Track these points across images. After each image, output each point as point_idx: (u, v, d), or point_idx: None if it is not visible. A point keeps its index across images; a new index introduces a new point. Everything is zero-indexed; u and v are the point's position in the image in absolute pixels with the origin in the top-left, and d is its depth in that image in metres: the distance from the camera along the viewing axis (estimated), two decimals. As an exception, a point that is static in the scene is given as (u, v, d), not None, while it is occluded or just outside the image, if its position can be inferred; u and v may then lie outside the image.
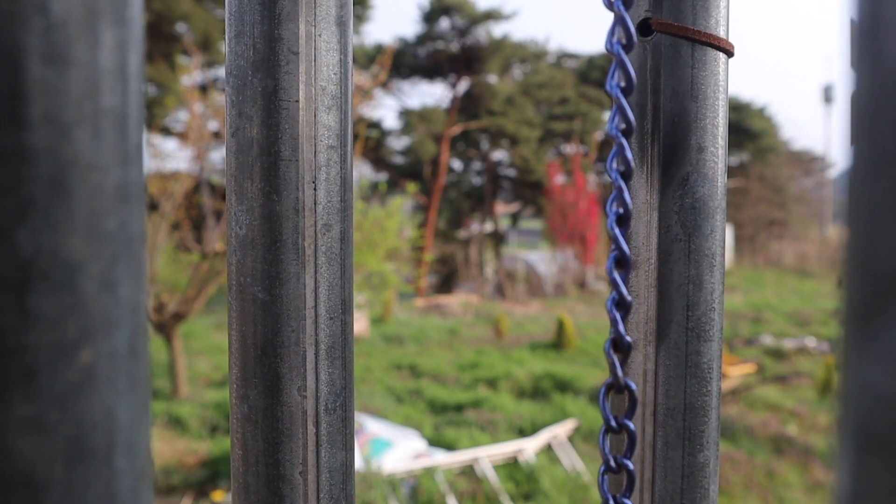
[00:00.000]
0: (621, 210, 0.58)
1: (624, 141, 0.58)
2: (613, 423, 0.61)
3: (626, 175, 0.58)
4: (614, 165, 0.59)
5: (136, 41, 0.25)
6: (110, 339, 0.24)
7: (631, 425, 0.60)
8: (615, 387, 0.60)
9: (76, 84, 0.23)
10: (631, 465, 0.61)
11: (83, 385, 0.23)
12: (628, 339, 0.59)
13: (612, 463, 0.61)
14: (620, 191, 0.58)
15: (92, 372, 0.23)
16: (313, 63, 0.61)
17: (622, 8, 0.58)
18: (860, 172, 0.21)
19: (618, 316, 0.59)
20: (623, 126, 0.58)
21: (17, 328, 0.22)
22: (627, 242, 0.64)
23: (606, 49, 0.59)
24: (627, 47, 0.58)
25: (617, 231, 0.58)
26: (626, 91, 0.58)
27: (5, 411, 0.22)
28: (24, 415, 0.22)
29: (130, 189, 0.25)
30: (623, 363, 0.59)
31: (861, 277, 0.21)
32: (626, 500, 0.61)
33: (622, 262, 0.58)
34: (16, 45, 0.21)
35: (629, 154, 0.58)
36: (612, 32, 0.59)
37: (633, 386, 0.60)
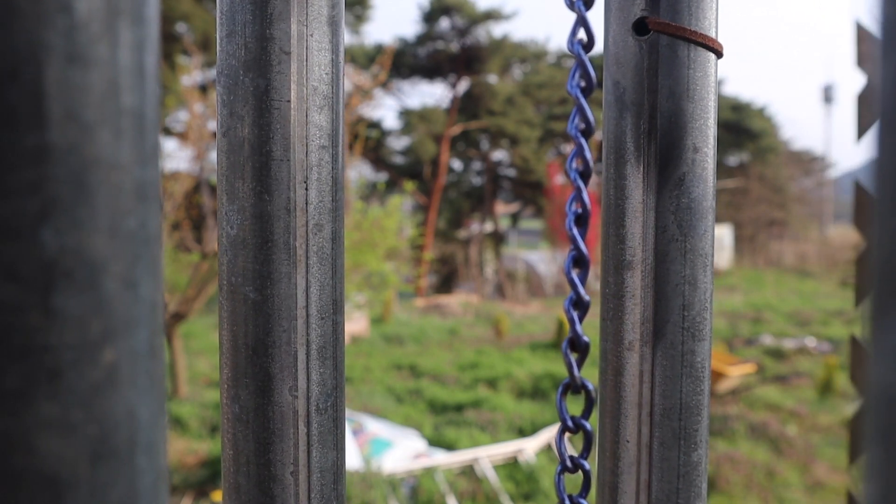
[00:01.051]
0: (580, 210, 0.59)
1: (583, 141, 0.59)
2: (570, 423, 0.61)
3: (585, 175, 0.59)
4: (574, 165, 0.59)
5: (153, 40, 0.25)
6: (131, 339, 0.24)
7: (587, 425, 0.61)
8: (572, 387, 0.60)
9: (98, 83, 0.23)
10: (587, 465, 0.61)
11: (106, 384, 0.23)
12: (586, 338, 0.59)
13: (569, 463, 0.62)
14: (579, 191, 0.59)
15: (114, 371, 0.23)
16: (305, 63, 0.61)
17: (583, 8, 0.59)
18: (878, 179, 0.21)
19: (575, 316, 0.59)
20: (583, 126, 0.59)
21: (42, 328, 0.22)
22: (619, 243, 0.64)
23: (568, 49, 0.60)
24: (588, 47, 0.59)
25: (575, 231, 0.58)
26: (587, 91, 0.59)
27: (31, 411, 0.22)
28: (49, 414, 0.22)
29: (148, 188, 0.25)
30: (580, 363, 0.59)
31: (877, 276, 0.21)
32: (581, 500, 0.62)
33: (580, 262, 0.59)
34: (39, 45, 0.21)
35: (588, 154, 0.59)
36: (573, 33, 0.60)
37: (590, 386, 0.60)
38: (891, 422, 0.21)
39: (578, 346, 0.59)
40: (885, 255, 0.20)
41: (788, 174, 33.41)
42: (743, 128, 27.77)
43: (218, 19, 0.62)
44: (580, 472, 0.62)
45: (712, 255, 0.64)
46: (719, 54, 0.62)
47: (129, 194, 0.24)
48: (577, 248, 0.58)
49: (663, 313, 0.62)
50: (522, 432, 8.16)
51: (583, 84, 0.59)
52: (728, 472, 7.04)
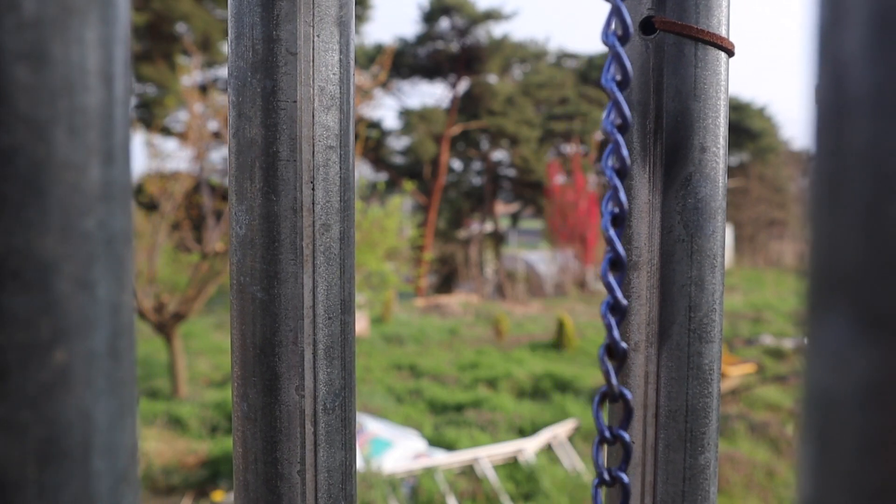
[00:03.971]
0: (617, 210, 0.55)
1: (619, 137, 0.54)
2: (608, 434, 0.57)
3: (622, 173, 0.55)
4: (610, 163, 0.55)
5: (121, 39, 0.25)
6: (87, 340, 0.24)
7: (626, 436, 0.57)
8: (610, 395, 0.56)
9: (51, 82, 0.22)
10: (626, 478, 0.58)
11: (56, 385, 0.23)
12: (623, 345, 0.55)
13: (606, 476, 0.58)
14: (616, 190, 0.55)
15: (66, 372, 0.23)
16: (311, 63, 0.61)
17: None
18: (812, 178, 0.22)
19: (613, 321, 0.55)
20: (619, 122, 0.54)
21: None
22: (626, 243, 0.63)
23: (602, 41, 0.55)
24: (623, 39, 0.54)
25: (612, 232, 0.55)
26: (623, 85, 0.54)
27: None
28: None
29: (113, 187, 0.25)
30: (618, 370, 0.55)
31: (808, 278, 0.22)
32: None
33: (617, 265, 0.55)
34: None
35: (625, 151, 0.54)
36: (607, 24, 0.55)
37: (629, 395, 0.56)
38: (818, 420, 0.21)
39: (616, 352, 0.55)
40: (818, 257, 0.21)
41: (788, 174, 33.39)
42: (743, 128, 27.78)
43: (229, 22, 0.62)
44: (618, 484, 0.58)
45: (722, 257, 0.63)
46: (730, 53, 0.62)
47: (88, 194, 0.24)
48: (614, 249, 0.54)
49: (669, 314, 0.62)
50: (522, 432, 8.16)
51: (618, 77, 0.54)
52: (728, 472, 7.04)
